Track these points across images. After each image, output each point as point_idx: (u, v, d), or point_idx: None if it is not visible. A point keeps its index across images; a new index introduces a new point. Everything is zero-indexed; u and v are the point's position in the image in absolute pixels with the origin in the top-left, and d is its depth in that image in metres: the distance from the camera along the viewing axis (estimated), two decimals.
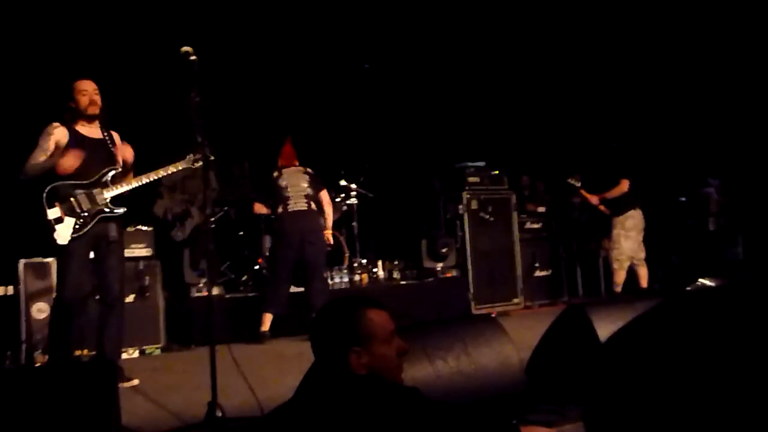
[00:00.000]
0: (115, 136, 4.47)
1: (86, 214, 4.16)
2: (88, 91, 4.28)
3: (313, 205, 6.26)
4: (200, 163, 3.94)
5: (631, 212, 6.92)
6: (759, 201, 7.77)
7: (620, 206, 6.95)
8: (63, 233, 4.10)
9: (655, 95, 8.79)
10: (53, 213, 4.09)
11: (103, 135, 4.38)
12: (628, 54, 8.69)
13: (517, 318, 6.99)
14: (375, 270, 7.63)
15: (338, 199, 7.59)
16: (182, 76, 3.48)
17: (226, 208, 7.81)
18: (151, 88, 3.87)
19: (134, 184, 4.36)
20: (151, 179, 4.39)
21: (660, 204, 7.94)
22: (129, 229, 5.87)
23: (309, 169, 6.48)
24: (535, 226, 8.15)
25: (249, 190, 7.79)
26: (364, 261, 7.58)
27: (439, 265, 7.56)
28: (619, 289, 6.96)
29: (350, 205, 7.64)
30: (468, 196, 7.40)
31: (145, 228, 6.07)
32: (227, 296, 6.70)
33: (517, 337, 4.66)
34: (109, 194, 4.26)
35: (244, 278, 7.30)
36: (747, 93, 7.89)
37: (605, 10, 8.25)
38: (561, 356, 3.02)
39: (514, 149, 9.06)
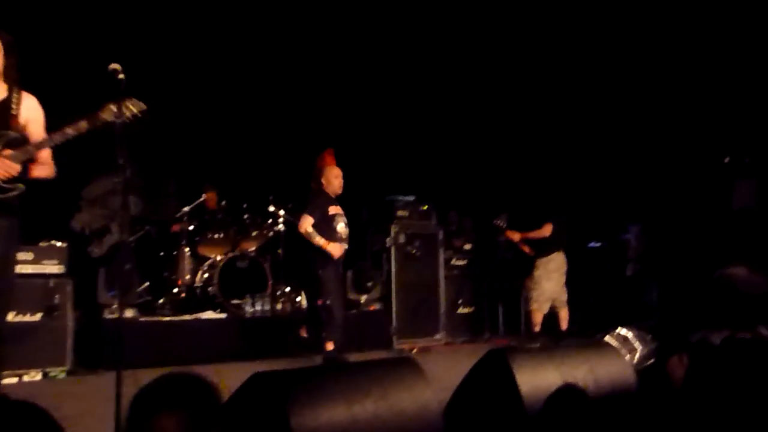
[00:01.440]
0: (29, 98, 3.65)
1: None
2: None
3: None
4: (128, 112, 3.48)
5: (554, 254, 7.07)
6: (674, 248, 8.05)
7: (544, 248, 7.09)
8: None
9: (581, 140, 9.05)
10: None
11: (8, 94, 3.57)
12: (553, 99, 8.95)
13: (439, 355, 6.99)
14: (298, 298, 7.51)
15: (265, 225, 7.48)
16: (108, 93, 3.35)
17: (147, 227, 7.58)
18: (73, 103, 3.65)
19: (32, 149, 3.52)
20: (59, 139, 3.54)
21: (579, 248, 8.15)
22: (42, 244, 5.60)
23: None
24: (461, 262, 8.21)
25: (173, 209, 7.60)
26: (288, 289, 7.46)
27: (363, 298, 7.52)
28: (537, 328, 7.06)
29: (277, 232, 7.52)
30: (396, 229, 7.41)
31: (58, 243, 5.78)
32: (141, 319, 6.45)
33: (437, 379, 4.65)
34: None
35: (162, 301, 7.06)
36: (666, 141, 8.22)
37: (533, 54, 8.51)
38: (480, 403, 3.00)
39: (443, 184, 9.14)
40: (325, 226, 5.95)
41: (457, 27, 8.27)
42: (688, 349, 2.60)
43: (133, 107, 3.50)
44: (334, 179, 6.15)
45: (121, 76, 3.31)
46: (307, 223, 5.94)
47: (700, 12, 7.32)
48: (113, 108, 3.45)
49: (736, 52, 7.41)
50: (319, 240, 5.88)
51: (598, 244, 8.71)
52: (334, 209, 6.08)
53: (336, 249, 5.92)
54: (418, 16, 8.11)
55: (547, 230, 7.05)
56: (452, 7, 8.03)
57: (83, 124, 3.51)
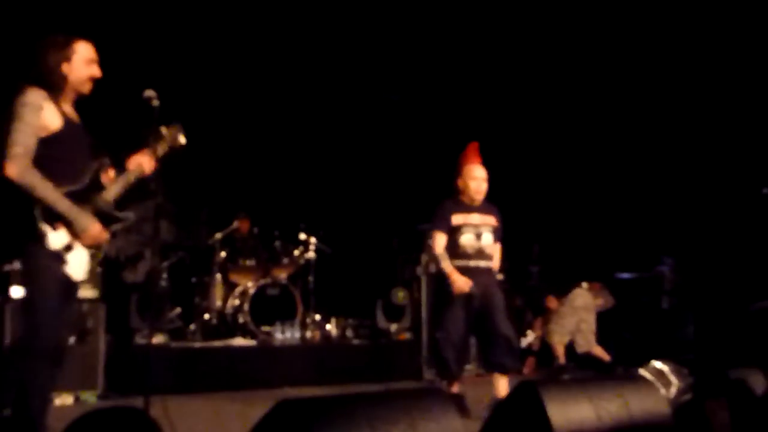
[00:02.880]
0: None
1: None
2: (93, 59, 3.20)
3: None
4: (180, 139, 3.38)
5: (578, 290, 7.02)
6: (711, 282, 7.88)
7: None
8: (77, 267, 3.05)
9: (617, 169, 8.96)
10: (58, 239, 2.97)
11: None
12: (588, 126, 8.88)
13: (469, 387, 6.87)
14: (328, 327, 7.49)
15: (296, 253, 7.51)
16: (142, 119, 3.39)
17: (181, 253, 7.65)
18: (110, 128, 3.68)
19: (126, 178, 3.28)
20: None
21: (611, 279, 8.03)
22: None
23: None
24: None
25: (206, 235, 7.67)
26: (318, 317, 7.45)
27: (394, 326, 7.46)
28: (562, 360, 6.98)
29: (308, 259, 7.54)
30: (426, 258, 7.36)
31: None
32: (173, 345, 6.49)
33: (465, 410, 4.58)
34: (110, 197, 3.23)
35: (192, 327, 7.10)
36: (703, 171, 8.09)
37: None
38: None
39: None
40: (449, 241, 4.93)
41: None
42: (727, 391, 2.50)
43: (173, 136, 3.40)
44: (470, 181, 5.02)
45: (155, 102, 3.34)
46: (437, 243, 4.93)
47: (738, 37, 7.23)
48: (164, 139, 3.38)
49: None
50: (447, 266, 4.84)
51: (628, 276, 8.54)
52: (461, 218, 4.96)
53: (460, 283, 4.76)
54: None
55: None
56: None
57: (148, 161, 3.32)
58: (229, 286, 7.40)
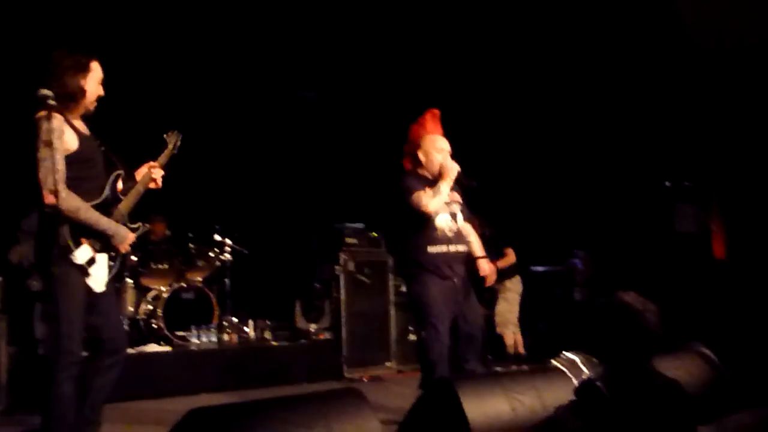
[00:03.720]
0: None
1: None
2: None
3: None
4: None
5: (517, 277, 7.26)
6: (621, 273, 8.18)
7: (510, 271, 7.26)
8: (99, 279, 3.24)
9: (527, 163, 9.17)
10: (84, 254, 3.15)
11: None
12: (497, 123, 9.06)
13: (390, 383, 6.92)
14: (246, 330, 7.36)
15: (211, 255, 7.35)
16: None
17: None
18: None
19: (137, 190, 3.56)
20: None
21: (530, 273, 8.23)
22: None
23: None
24: None
25: None
26: (235, 319, 7.31)
27: (313, 327, 7.41)
28: (512, 350, 7.18)
29: (224, 261, 7.39)
30: (345, 256, 7.34)
31: None
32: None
33: (386, 408, 4.59)
34: (126, 210, 3.45)
35: None
36: (611, 165, 8.38)
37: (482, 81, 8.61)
38: (428, 430, 2.95)
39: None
40: (419, 226, 4.30)
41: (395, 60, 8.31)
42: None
43: (175, 143, 3.81)
44: (435, 152, 4.35)
45: (52, 102, 3.19)
46: (422, 201, 4.16)
47: (629, 38, 7.51)
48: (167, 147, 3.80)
49: (672, 78, 7.63)
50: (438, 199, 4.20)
51: (542, 269, 8.78)
52: None
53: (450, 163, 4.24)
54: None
55: (513, 256, 7.20)
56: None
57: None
58: (142, 291, 7.16)
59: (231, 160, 8.62)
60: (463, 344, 4.19)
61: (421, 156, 4.38)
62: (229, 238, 7.42)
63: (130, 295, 7.07)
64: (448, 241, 4.24)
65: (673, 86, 7.67)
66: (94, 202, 3.24)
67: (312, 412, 2.41)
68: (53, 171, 2.94)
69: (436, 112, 4.48)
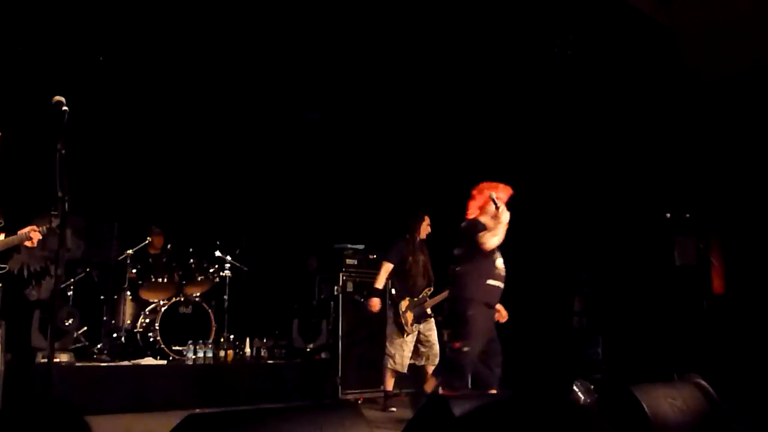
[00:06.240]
0: None
1: None
2: None
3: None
4: (56, 221, 3.71)
5: None
6: (619, 304, 8.17)
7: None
8: None
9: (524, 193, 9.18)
10: None
11: None
12: (498, 151, 9.09)
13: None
14: (242, 346, 7.34)
15: (211, 270, 7.35)
16: (50, 126, 3.27)
17: (88, 269, 7.37)
18: (14, 136, 3.54)
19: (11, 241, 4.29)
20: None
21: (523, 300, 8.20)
22: None
23: None
24: None
25: (116, 251, 7.42)
26: (231, 336, 7.29)
27: (310, 346, 7.39)
28: None
29: (223, 278, 7.40)
30: (344, 277, 7.34)
31: None
32: (77, 364, 6.21)
33: (379, 425, 4.58)
34: None
35: (99, 346, 6.82)
36: (608, 196, 8.40)
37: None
38: None
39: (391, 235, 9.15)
40: (485, 263, 4.94)
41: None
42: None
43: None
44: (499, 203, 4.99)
45: (64, 108, 3.24)
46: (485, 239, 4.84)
47: (632, 74, 7.58)
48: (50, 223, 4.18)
49: (674, 112, 7.69)
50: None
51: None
52: None
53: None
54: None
55: None
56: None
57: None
58: (140, 304, 7.17)
59: (236, 178, 8.68)
60: (490, 357, 4.87)
61: (486, 206, 5.02)
62: (230, 255, 7.44)
63: (128, 308, 7.08)
64: (502, 279, 4.94)
65: (675, 120, 7.73)
66: None
67: (307, 422, 2.40)
68: None
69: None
